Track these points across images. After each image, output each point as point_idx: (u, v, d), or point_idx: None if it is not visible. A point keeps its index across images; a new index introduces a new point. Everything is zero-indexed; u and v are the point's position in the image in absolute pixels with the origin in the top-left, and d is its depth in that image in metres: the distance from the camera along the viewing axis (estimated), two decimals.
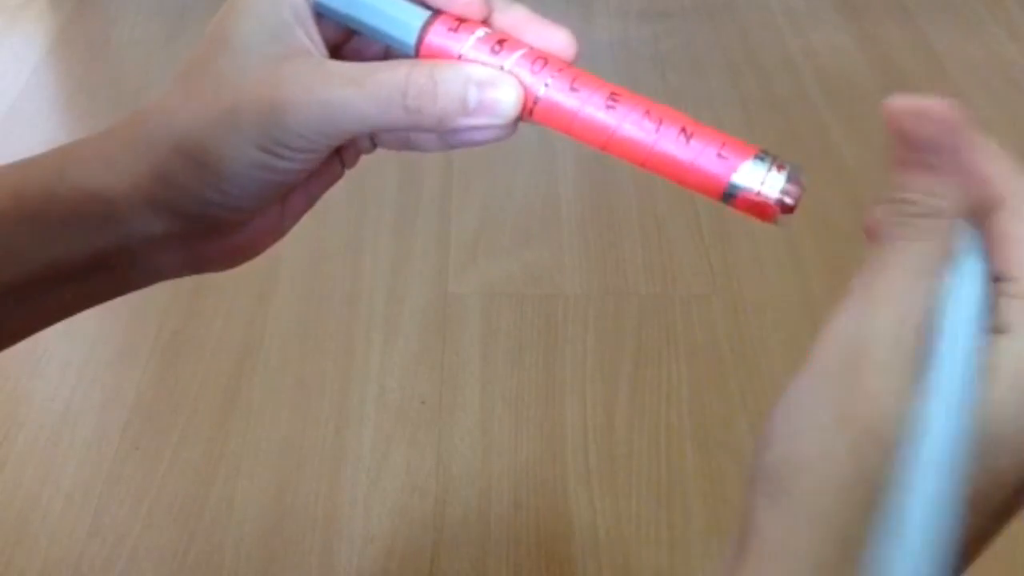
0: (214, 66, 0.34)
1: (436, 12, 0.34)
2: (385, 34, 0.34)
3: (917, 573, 0.24)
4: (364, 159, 0.40)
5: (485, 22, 0.34)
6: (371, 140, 0.39)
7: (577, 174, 1.12)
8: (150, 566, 0.76)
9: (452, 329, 0.95)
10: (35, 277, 0.36)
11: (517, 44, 0.33)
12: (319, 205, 0.41)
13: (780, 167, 0.31)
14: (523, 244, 1.04)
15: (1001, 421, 0.25)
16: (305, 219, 0.41)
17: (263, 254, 0.40)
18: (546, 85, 0.32)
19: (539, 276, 1.00)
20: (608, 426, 0.86)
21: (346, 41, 0.37)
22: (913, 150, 0.27)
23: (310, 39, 0.35)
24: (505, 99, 0.33)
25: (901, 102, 0.27)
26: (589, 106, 0.32)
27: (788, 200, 0.30)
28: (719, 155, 0.31)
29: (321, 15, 0.35)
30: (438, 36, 0.33)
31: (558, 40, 0.34)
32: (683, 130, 0.31)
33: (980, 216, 0.27)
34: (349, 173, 0.41)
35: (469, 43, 0.33)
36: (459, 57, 0.33)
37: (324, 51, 0.35)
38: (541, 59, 0.33)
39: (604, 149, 0.32)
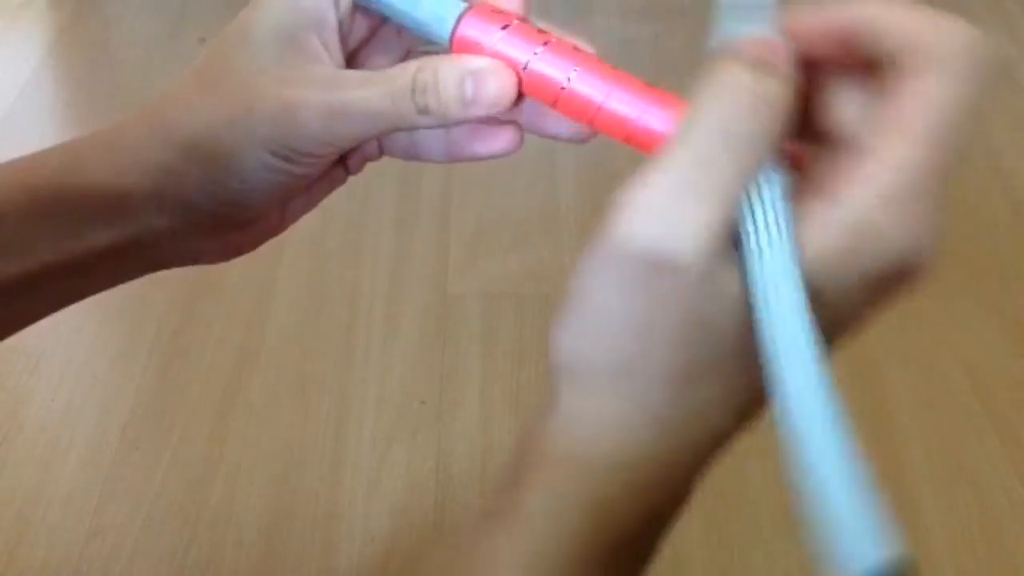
0: (231, 61, 0.35)
1: (471, 4, 0.34)
2: (420, 25, 0.35)
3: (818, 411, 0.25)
4: None
5: (519, 16, 0.34)
6: (378, 147, 0.39)
7: (577, 174, 1.12)
8: (150, 566, 0.76)
9: (452, 329, 0.95)
10: (45, 268, 0.36)
11: (544, 36, 0.33)
12: (319, 205, 0.41)
13: None
14: (523, 244, 1.04)
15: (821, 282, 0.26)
16: (305, 219, 0.41)
17: (263, 254, 0.40)
18: (569, 79, 0.32)
19: (539, 276, 1.00)
20: None
21: (363, 47, 0.38)
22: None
23: (327, 48, 0.35)
24: (496, 88, 0.33)
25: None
26: (613, 99, 0.32)
27: None
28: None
29: (358, 6, 0.36)
30: (470, 29, 0.34)
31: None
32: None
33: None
34: None
35: (497, 36, 0.33)
36: (488, 51, 0.33)
37: (341, 61, 0.36)
38: (569, 50, 0.33)
39: (627, 142, 0.32)
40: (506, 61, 0.33)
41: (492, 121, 0.36)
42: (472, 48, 0.34)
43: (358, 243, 1.04)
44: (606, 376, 0.27)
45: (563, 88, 0.32)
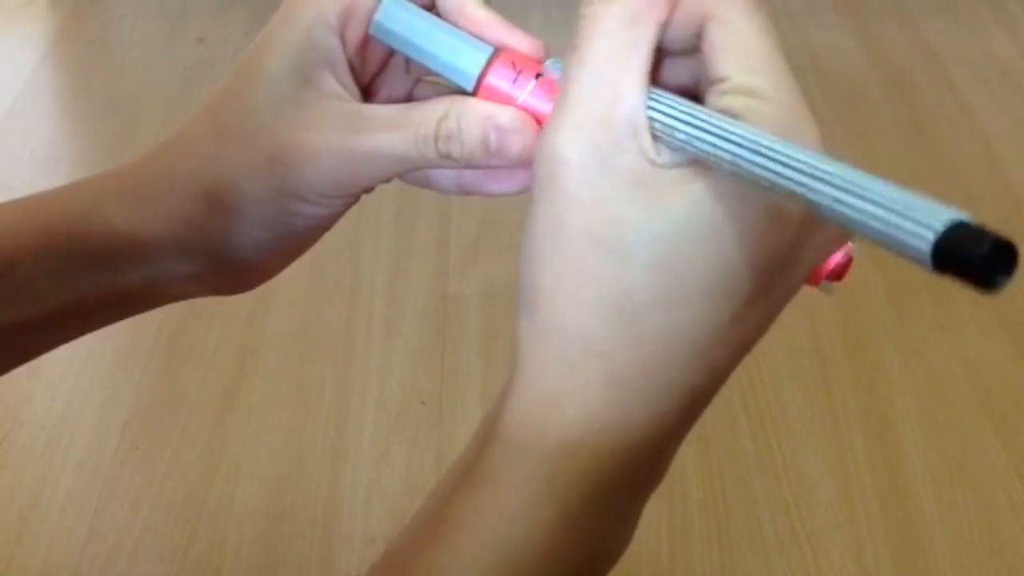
0: (245, 102, 0.34)
1: (496, 51, 0.33)
2: (444, 68, 0.34)
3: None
4: None
5: (541, 63, 0.33)
6: None
7: None
8: (150, 566, 0.76)
9: (452, 329, 0.95)
10: (59, 310, 0.36)
11: None
12: None
13: None
14: None
15: None
16: None
17: None
18: None
19: None
20: None
21: (376, 77, 0.37)
22: None
23: (342, 84, 0.34)
24: (519, 147, 0.33)
25: None
26: None
27: None
28: None
29: (375, 40, 0.35)
30: (497, 78, 0.33)
31: (524, 45, 0.33)
32: None
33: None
34: None
35: (527, 90, 0.33)
36: (515, 102, 0.33)
37: (357, 94, 0.35)
38: None
39: None
40: (532, 115, 0.33)
41: None
42: (498, 96, 0.33)
43: (358, 243, 1.04)
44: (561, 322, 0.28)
45: None
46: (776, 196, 0.23)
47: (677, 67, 0.29)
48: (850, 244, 0.31)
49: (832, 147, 0.25)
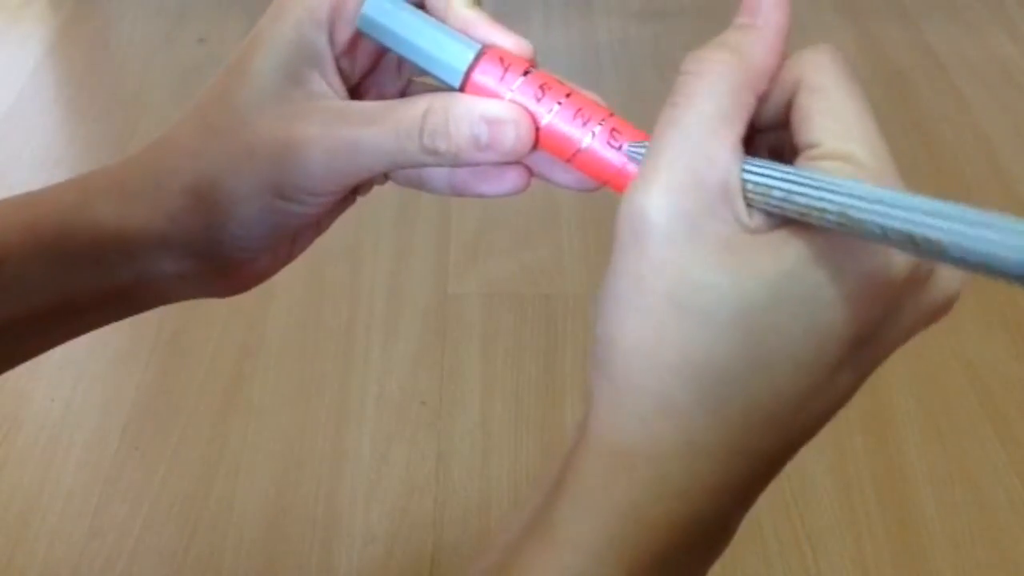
0: (232, 99, 0.34)
1: (483, 48, 0.33)
2: (430, 64, 0.33)
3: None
4: None
5: (531, 61, 0.33)
6: (384, 174, 0.39)
7: None
8: (150, 566, 0.76)
9: (452, 329, 0.95)
10: (49, 309, 0.36)
11: (560, 88, 0.32)
12: None
13: None
14: (523, 244, 1.04)
15: None
16: None
17: None
18: (593, 134, 0.31)
19: (539, 276, 1.00)
20: None
21: (366, 76, 0.37)
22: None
23: (328, 83, 0.34)
24: (514, 139, 0.32)
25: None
26: (633, 165, 0.31)
27: None
28: None
29: (363, 35, 0.34)
30: (484, 75, 0.32)
31: (511, 44, 0.33)
32: None
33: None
34: None
35: (515, 85, 0.32)
36: (505, 97, 0.32)
37: (344, 93, 0.35)
38: (584, 108, 0.32)
39: None
40: (523, 110, 0.32)
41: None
42: (485, 93, 0.32)
43: (358, 243, 1.04)
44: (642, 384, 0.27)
45: (579, 151, 0.32)
46: (888, 243, 0.23)
47: (756, 140, 0.29)
48: None
49: None
